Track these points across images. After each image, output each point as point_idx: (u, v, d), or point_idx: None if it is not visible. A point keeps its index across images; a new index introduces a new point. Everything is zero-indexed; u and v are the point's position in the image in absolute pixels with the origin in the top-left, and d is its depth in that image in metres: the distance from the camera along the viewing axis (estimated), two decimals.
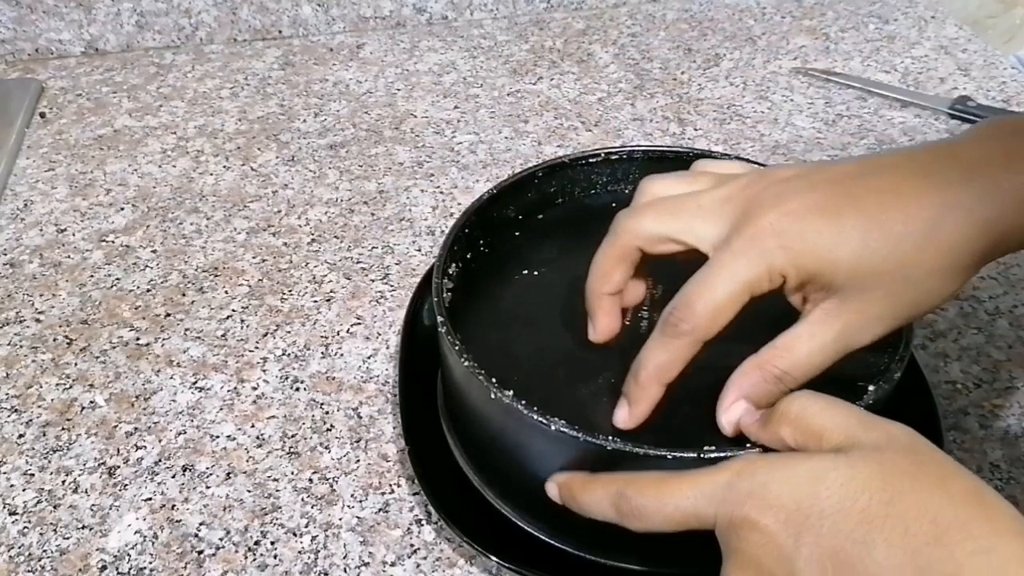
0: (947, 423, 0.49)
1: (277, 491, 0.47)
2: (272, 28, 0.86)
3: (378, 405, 0.51)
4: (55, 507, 0.47)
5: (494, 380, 0.37)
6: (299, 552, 0.44)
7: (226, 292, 0.59)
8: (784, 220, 0.35)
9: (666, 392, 0.37)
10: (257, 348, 0.55)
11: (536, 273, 0.47)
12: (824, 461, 0.30)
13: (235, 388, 0.53)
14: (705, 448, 0.34)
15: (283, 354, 0.55)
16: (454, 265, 0.45)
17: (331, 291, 0.59)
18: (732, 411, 0.36)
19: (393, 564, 0.44)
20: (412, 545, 0.44)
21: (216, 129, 0.74)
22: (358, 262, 0.61)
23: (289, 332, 0.56)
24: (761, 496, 0.30)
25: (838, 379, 0.35)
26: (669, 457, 0.34)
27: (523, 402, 0.36)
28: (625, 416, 0.37)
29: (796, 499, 0.30)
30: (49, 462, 0.49)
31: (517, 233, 0.49)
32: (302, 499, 0.47)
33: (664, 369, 0.37)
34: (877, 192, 0.35)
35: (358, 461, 0.48)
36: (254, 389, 0.52)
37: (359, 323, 0.56)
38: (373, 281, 0.60)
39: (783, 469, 0.31)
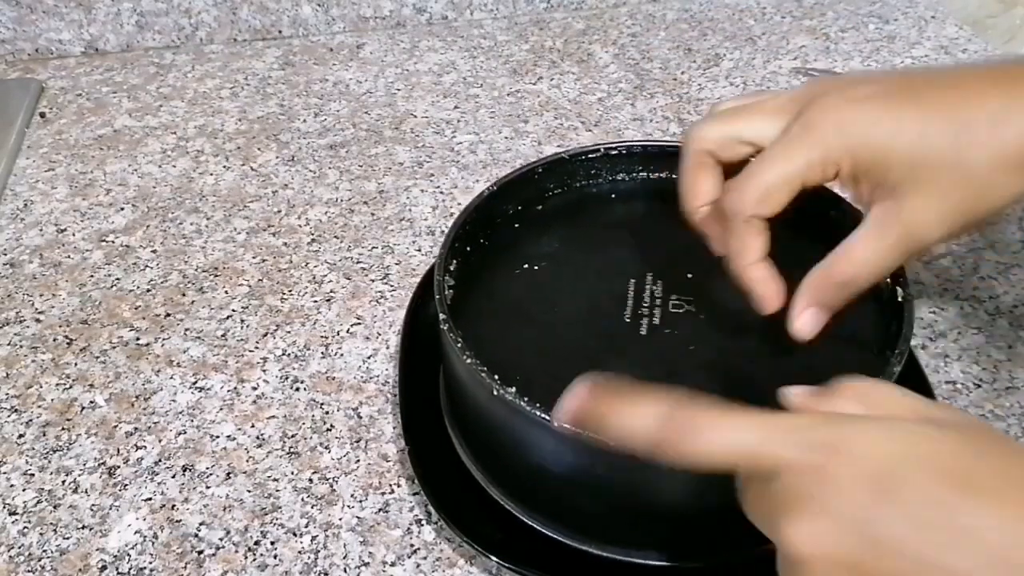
0: None
1: (277, 491, 0.47)
2: (272, 28, 0.86)
3: (378, 405, 0.51)
4: (55, 507, 0.47)
5: (496, 377, 0.37)
6: (299, 552, 0.44)
7: (226, 292, 0.59)
8: (842, 108, 0.35)
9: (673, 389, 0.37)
10: (257, 348, 0.55)
11: (537, 268, 0.47)
12: (912, 425, 0.28)
13: (235, 388, 0.53)
14: None
15: (283, 354, 0.55)
16: (455, 261, 0.45)
17: (331, 291, 0.59)
18: (804, 317, 0.38)
19: (393, 564, 0.44)
20: (412, 545, 0.44)
21: (216, 129, 0.74)
22: (358, 262, 0.61)
23: (289, 332, 0.56)
24: (847, 448, 0.28)
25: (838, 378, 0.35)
26: None
27: (526, 399, 0.36)
28: None
29: (888, 455, 0.27)
30: (49, 462, 0.49)
31: (517, 227, 0.49)
32: (302, 499, 0.47)
33: (742, 253, 0.39)
34: (940, 87, 0.35)
35: (358, 461, 0.48)
36: (254, 389, 0.52)
37: (359, 323, 0.56)
38: (373, 281, 0.60)
39: (875, 424, 0.28)
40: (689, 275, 0.45)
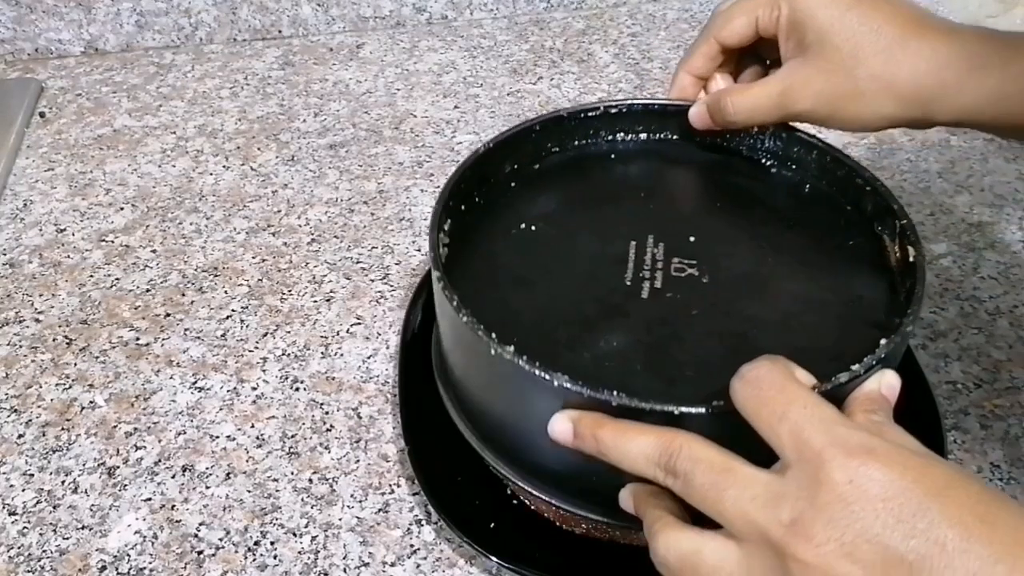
0: (947, 423, 0.49)
1: (277, 491, 0.47)
2: (272, 28, 0.86)
3: (378, 405, 0.51)
4: (55, 507, 0.47)
5: (494, 336, 0.36)
6: (299, 552, 0.44)
7: (226, 292, 0.59)
8: None
9: (673, 356, 0.38)
10: (257, 348, 0.55)
11: (534, 228, 0.45)
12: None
13: (235, 388, 0.52)
14: (714, 404, 0.33)
15: (283, 354, 0.54)
16: (449, 221, 0.43)
17: (331, 291, 0.59)
18: (695, 108, 0.46)
19: (393, 564, 0.44)
20: (412, 545, 0.44)
21: (216, 129, 0.74)
22: (358, 262, 0.61)
23: (289, 332, 0.56)
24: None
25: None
26: (676, 412, 0.33)
27: (524, 357, 0.35)
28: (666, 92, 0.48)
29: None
30: (49, 462, 0.49)
31: (514, 187, 0.47)
32: (302, 499, 0.47)
33: (686, 60, 0.47)
34: (895, 4, 0.41)
35: (358, 461, 0.48)
36: (254, 389, 0.52)
37: (359, 323, 0.56)
38: (373, 281, 0.59)
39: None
40: (692, 238, 0.43)
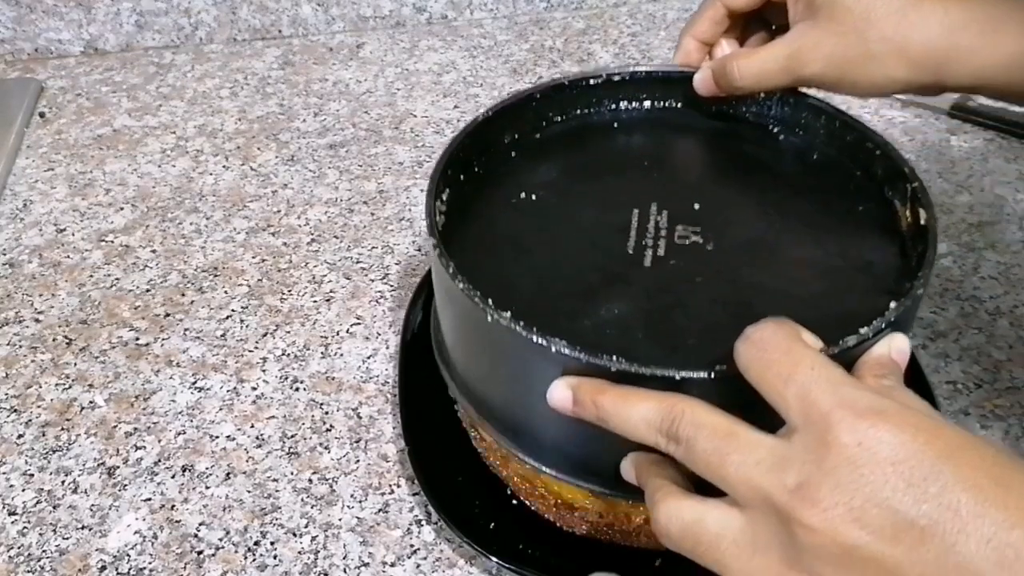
0: None
1: (277, 491, 0.47)
2: (272, 28, 0.86)
3: (378, 405, 0.51)
4: (55, 507, 0.46)
5: (490, 302, 0.35)
6: (299, 552, 0.44)
7: (226, 292, 0.59)
8: None
9: (675, 323, 0.37)
10: (257, 348, 0.55)
11: (535, 197, 0.43)
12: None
13: (235, 388, 0.52)
14: (717, 367, 0.31)
15: (283, 354, 0.54)
16: (448, 190, 0.42)
17: (331, 291, 0.59)
18: (700, 72, 0.45)
19: (393, 564, 0.44)
20: (412, 545, 0.44)
21: (216, 129, 0.74)
22: (358, 262, 0.61)
23: (289, 332, 0.56)
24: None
25: None
26: (677, 378, 0.32)
27: (521, 323, 0.33)
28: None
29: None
30: (49, 462, 0.49)
31: (514, 156, 0.46)
32: (302, 499, 0.46)
33: (691, 25, 0.46)
34: None
35: (358, 461, 0.48)
36: (254, 389, 0.52)
37: (359, 323, 0.56)
38: (373, 281, 0.59)
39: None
40: (696, 205, 0.42)
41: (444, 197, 0.41)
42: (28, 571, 0.44)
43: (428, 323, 0.49)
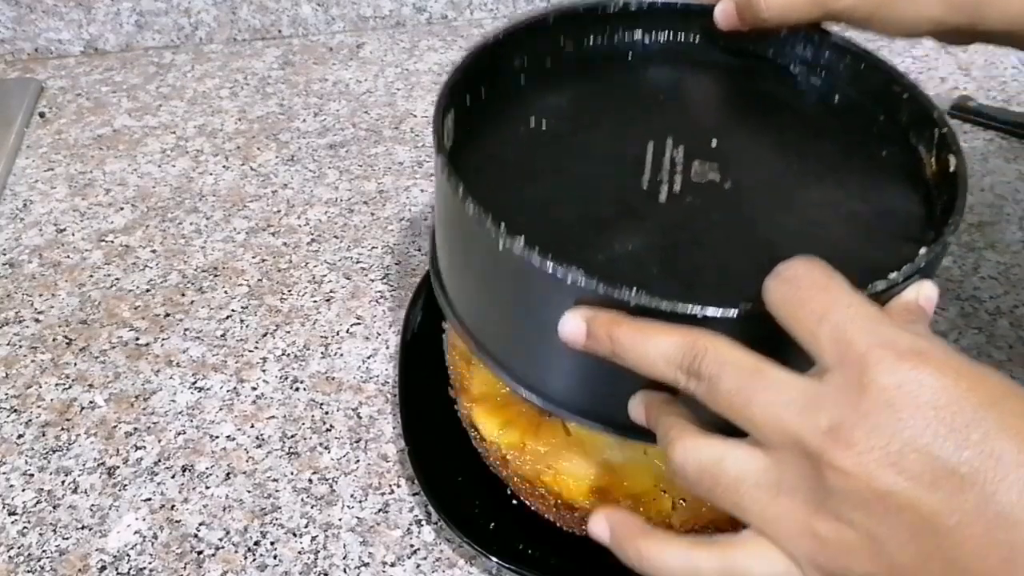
0: None
1: (277, 491, 0.47)
2: (272, 28, 0.86)
3: (378, 405, 0.51)
4: (55, 507, 0.47)
5: (502, 226, 0.32)
6: (299, 552, 0.44)
7: (226, 292, 0.59)
8: None
9: (691, 261, 0.35)
10: (257, 348, 0.55)
11: (544, 126, 0.42)
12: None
13: (235, 388, 0.52)
14: (743, 304, 0.30)
15: (283, 354, 0.54)
16: (453, 114, 0.40)
17: (331, 291, 0.59)
18: (721, 4, 0.42)
19: (393, 564, 0.44)
20: (412, 545, 0.44)
21: (216, 129, 0.74)
22: (358, 262, 0.61)
23: (289, 332, 0.56)
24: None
25: None
26: (700, 315, 0.30)
27: (536, 249, 0.31)
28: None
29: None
30: (49, 462, 0.49)
31: (524, 83, 0.44)
32: (302, 499, 0.47)
33: None
34: None
35: (358, 461, 0.48)
36: (254, 389, 0.52)
37: (359, 323, 0.56)
38: (373, 281, 0.59)
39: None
40: (713, 142, 0.41)
41: (450, 124, 0.39)
42: (28, 571, 0.44)
43: (428, 323, 0.49)
